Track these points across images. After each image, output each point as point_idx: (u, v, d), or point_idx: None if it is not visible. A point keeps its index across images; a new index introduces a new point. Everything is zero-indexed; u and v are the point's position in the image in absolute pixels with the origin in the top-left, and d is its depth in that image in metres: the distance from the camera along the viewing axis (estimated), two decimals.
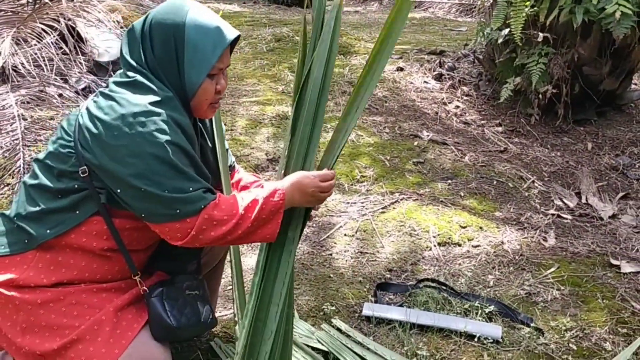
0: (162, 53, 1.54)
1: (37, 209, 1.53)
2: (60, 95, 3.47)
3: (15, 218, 1.55)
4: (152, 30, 1.54)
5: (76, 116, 1.55)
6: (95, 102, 1.52)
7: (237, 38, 1.60)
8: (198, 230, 1.49)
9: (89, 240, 1.56)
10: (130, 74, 1.54)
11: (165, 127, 1.47)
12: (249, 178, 1.95)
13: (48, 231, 1.53)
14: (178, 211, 1.47)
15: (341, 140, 1.69)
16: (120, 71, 1.60)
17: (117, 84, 1.54)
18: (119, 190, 1.47)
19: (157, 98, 1.50)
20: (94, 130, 1.47)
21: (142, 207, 1.48)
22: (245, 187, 1.89)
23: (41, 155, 1.59)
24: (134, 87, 1.52)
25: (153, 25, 1.54)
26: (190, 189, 1.48)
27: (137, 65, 1.55)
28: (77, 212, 1.53)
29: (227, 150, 1.91)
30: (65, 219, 1.53)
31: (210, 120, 1.80)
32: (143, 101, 1.48)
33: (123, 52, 1.58)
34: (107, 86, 1.57)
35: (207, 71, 1.54)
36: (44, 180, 1.54)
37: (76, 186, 1.52)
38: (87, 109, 1.52)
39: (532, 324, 2.23)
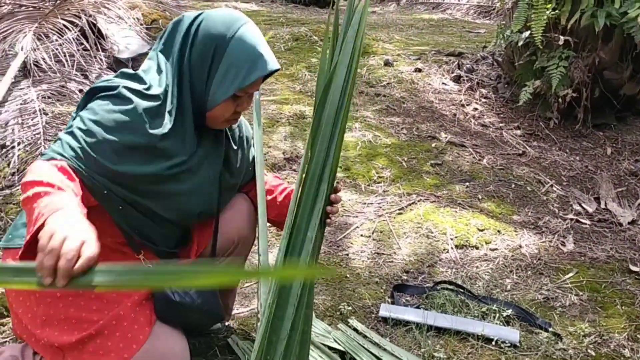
0: (198, 58, 1.52)
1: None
2: (80, 90, 3.50)
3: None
4: (199, 32, 1.52)
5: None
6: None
7: (275, 70, 1.55)
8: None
9: (102, 237, 1.56)
10: (152, 82, 1.53)
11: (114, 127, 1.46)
12: (273, 181, 1.91)
13: None
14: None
15: None
16: (147, 64, 1.60)
17: (128, 89, 1.52)
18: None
19: (126, 118, 1.47)
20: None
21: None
22: (270, 191, 1.85)
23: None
24: (120, 99, 1.49)
25: (202, 27, 1.52)
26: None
27: (170, 68, 1.53)
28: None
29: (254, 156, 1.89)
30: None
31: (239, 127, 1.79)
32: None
33: (168, 42, 1.55)
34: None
35: (233, 91, 1.51)
36: None
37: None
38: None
39: (550, 329, 2.21)
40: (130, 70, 1.58)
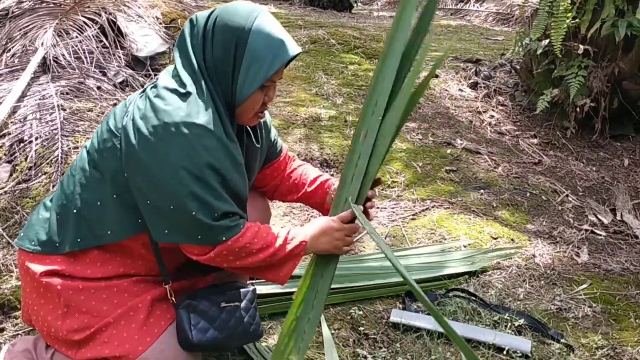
0: (221, 54, 1.49)
1: (99, 208, 1.54)
2: (98, 87, 3.52)
3: (76, 212, 1.55)
4: (216, 28, 1.49)
5: (123, 114, 1.53)
6: (145, 104, 1.49)
7: (298, 54, 1.55)
8: (217, 254, 1.50)
9: (136, 247, 1.58)
10: (186, 81, 1.49)
11: (210, 147, 1.45)
12: (312, 173, 1.91)
13: (109, 232, 1.54)
14: (200, 237, 1.47)
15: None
16: (172, 69, 1.55)
17: (169, 90, 1.49)
18: (148, 202, 1.47)
19: (210, 116, 1.47)
20: (141, 130, 1.45)
21: (166, 223, 1.48)
22: (306, 183, 1.89)
23: (91, 150, 1.58)
24: (185, 97, 1.48)
25: (218, 23, 1.50)
26: (216, 214, 1.46)
27: (196, 68, 1.50)
28: (140, 221, 1.53)
29: (275, 139, 1.87)
30: (124, 226, 1.54)
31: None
32: (195, 115, 1.45)
33: (186, 43, 1.52)
34: (155, 86, 1.53)
35: (261, 82, 1.50)
36: (98, 178, 1.54)
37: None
38: (137, 108, 1.50)
39: (562, 340, 2.19)
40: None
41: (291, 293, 2.21)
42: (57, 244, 1.55)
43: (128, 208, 1.52)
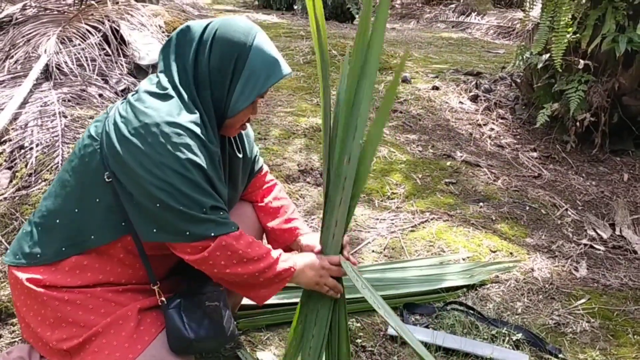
0: (219, 65, 1.53)
1: (80, 215, 1.54)
2: (100, 95, 3.53)
3: (58, 222, 1.56)
4: (215, 40, 1.53)
5: (104, 120, 1.56)
6: (125, 108, 1.52)
7: (288, 74, 1.61)
8: (211, 254, 1.50)
9: (117, 251, 1.58)
10: (166, 85, 1.53)
11: (191, 145, 1.47)
12: (277, 202, 1.95)
13: (92, 237, 1.54)
14: (188, 233, 1.47)
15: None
16: (154, 76, 1.59)
17: (149, 93, 1.53)
18: (134, 202, 1.48)
19: (192, 117, 1.50)
20: (123, 131, 1.47)
21: (153, 223, 1.48)
22: (275, 212, 1.93)
23: (72, 158, 1.59)
24: (165, 99, 1.51)
25: (218, 35, 1.53)
26: (205, 208, 1.48)
27: (182, 74, 1.54)
28: (123, 223, 1.54)
29: (257, 155, 1.91)
30: (107, 229, 1.55)
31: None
32: (176, 115, 1.48)
33: (174, 50, 1.56)
34: (136, 93, 1.56)
35: (254, 97, 1.56)
36: (77, 186, 1.55)
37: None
38: (118, 113, 1.53)
39: (560, 355, 2.18)
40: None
41: (289, 304, 2.22)
42: (39, 255, 1.56)
43: (110, 211, 1.53)
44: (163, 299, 1.60)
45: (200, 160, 1.48)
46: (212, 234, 1.49)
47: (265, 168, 1.98)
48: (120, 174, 1.48)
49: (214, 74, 1.54)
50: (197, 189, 1.47)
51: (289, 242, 1.89)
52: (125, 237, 1.55)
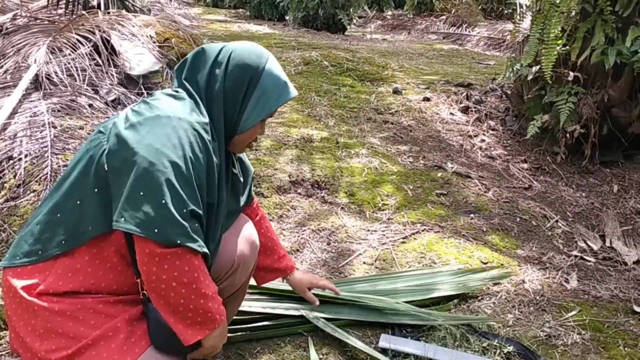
0: (233, 86, 1.65)
1: (79, 207, 1.55)
2: (90, 105, 3.51)
3: (59, 216, 1.57)
4: (231, 61, 1.65)
5: (114, 118, 1.61)
6: (139, 104, 1.61)
7: (294, 97, 1.75)
8: (172, 256, 1.46)
9: (110, 254, 1.57)
10: (182, 94, 1.63)
11: (195, 145, 1.53)
12: (265, 237, 2.08)
13: (90, 228, 1.54)
14: (156, 231, 1.44)
15: None
16: (168, 89, 1.68)
17: (165, 94, 1.63)
18: (120, 184, 1.47)
19: (203, 120, 1.58)
20: (132, 120, 1.53)
21: (128, 209, 1.45)
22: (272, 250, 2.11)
23: (78, 155, 1.62)
24: (181, 100, 1.61)
25: (233, 57, 1.66)
26: (185, 210, 1.46)
27: (197, 88, 1.64)
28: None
29: (251, 186, 2.01)
30: (104, 219, 1.54)
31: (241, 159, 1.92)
32: (187, 113, 1.56)
33: (188, 68, 1.67)
34: (151, 95, 1.65)
35: (264, 116, 1.69)
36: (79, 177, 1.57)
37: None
38: (130, 109, 1.60)
39: None
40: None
41: (287, 315, 2.21)
42: (40, 252, 1.55)
43: (108, 203, 1.52)
44: (145, 292, 1.58)
45: (198, 162, 1.53)
46: (179, 242, 1.46)
47: (255, 200, 2.09)
48: (118, 153, 1.49)
49: (228, 92, 1.65)
50: (185, 188, 1.48)
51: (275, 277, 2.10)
52: (119, 236, 1.54)
